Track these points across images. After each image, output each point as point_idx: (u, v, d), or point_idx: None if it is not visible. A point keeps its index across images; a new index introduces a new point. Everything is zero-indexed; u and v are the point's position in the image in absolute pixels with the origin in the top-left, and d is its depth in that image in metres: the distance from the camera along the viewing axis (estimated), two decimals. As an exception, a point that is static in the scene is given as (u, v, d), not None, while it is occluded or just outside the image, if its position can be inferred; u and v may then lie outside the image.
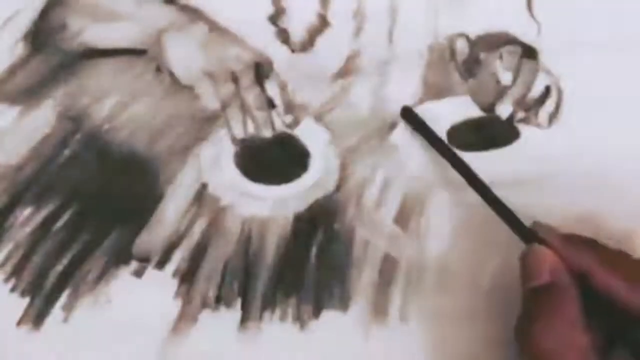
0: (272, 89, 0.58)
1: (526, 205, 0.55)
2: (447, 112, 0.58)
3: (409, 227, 0.55)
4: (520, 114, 0.58)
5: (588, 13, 0.60)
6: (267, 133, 0.57)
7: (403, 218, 0.55)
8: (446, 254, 0.54)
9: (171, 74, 0.58)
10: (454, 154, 0.54)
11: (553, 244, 0.48)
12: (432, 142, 0.56)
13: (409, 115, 0.57)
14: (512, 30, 0.60)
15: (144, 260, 0.54)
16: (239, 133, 0.57)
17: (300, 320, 0.52)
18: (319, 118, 0.57)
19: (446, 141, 0.57)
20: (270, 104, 0.57)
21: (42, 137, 0.56)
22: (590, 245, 0.48)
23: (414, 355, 0.52)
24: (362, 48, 0.59)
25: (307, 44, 0.59)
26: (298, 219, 0.55)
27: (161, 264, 0.53)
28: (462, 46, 0.59)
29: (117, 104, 0.57)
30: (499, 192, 0.53)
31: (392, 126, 0.58)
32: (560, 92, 0.59)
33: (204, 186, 0.56)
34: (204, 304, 0.53)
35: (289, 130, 0.57)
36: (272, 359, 0.52)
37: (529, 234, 0.50)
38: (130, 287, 0.53)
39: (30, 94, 0.57)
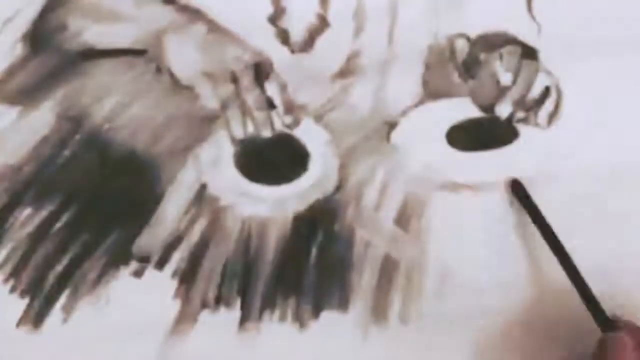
0: (271, 89, 0.58)
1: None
2: (447, 113, 0.58)
3: (409, 228, 0.55)
4: (520, 114, 0.58)
5: (588, 13, 0.60)
6: (267, 133, 0.57)
7: (403, 219, 0.55)
8: (446, 255, 0.54)
9: (171, 74, 0.58)
10: (555, 236, 0.54)
11: (632, 336, 0.49)
12: (534, 218, 0.55)
13: (518, 188, 0.56)
14: (512, 31, 0.60)
15: (144, 260, 0.54)
16: (239, 133, 0.57)
17: (299, 320, 0.52)
18: (318, 118, 0.57)
19: (446, 142, 0.57)
20: (270, 105, 0.57)
21: (42, 137, 0.56)
22: None
23: (414, 357, 0.52)
24: (362, 48, 0.59)
25: (307, 44, 0.59)
26: (298, 219, 0.55)
27: (161, 265, 0.53)
28: (462, 46, 0.59)
29: (117, 104, 0.57)
30: (499, 192, 0.54)
31: (392, 126, 0.58)
32: (559, 92, 0.59)
33: (203, 186, 0.56)
34: (204, 304, 0.53)
35: (288, 131, 0.57)
36: (271, 360, 0.52)
37: (608, 322, 0.51)
38: (129, 288, 0.53)
39: (29, 94, 0.57)
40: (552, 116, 0.58)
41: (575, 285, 0.52)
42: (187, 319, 0.52)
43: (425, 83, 0.59)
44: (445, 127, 0.58)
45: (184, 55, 0.58)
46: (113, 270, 0.53)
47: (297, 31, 0.59)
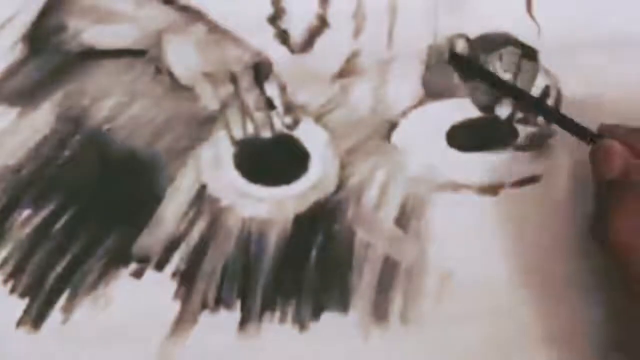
0: (271, 89, 0.58)
1: (525, 205, 0.56)
2: (447, 113, 0.58)
3: (409, 228, 0.55)
4: (520, 115, 0.58)
5: (588, 13, 0.60)
6: (267, 134, 0.57)
7: (404, 219, 0.55)
8: (447, 256, 0.54)
9: (170, 75, 0.58)
10: (508, 83, 0.56)
11: (621, 139, 0.50)
12: (482, 76, 0.57)
13: (457, 59, 0.57)
14: (512, 31, 0.60)
15: (144, 261, 0.53)
16: (239, 134, 0.57)
17: (300, 322, 0.52)
18: (318, 119, 0.57)
19: (446, 142, 0.57)
20: (270, 105, 0.57)
21: (41, 138, 0.56)
22: None
23: (414, 358, 0.52)
24: (362, 48, 0.59)
25: (307, 45, 0.59)
26: (298, 219, 0.55)
27: (160, 265, 0.53)
28: (461, 46, 0.59)
29: (117, 104, 0.57)
30: (501, 194, 0.54)
31: (392, 126, 0.58)
32: (559, 93, 0.59)
33: (203, 187, 0.56)
34: (204, 306, 0.53)
35: (288, 131, 0.57)
36: (271, 361, 0.52)
37: (594, 136, 0.51)
38: (129, 289, 0.53)
39: (29, 95, 0.57)
40: (552, 116, 0.58)
41: (548, 115, 0.53)
42: (187, 320, 0.52)
43: (425, 83, 0.59)
44: (445, 127, 0.58)
45: (184, 56, 0.58)
46: (113, 271, 0.53)
47: (297, 31, 0.59)
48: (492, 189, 0.56)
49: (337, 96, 0.58)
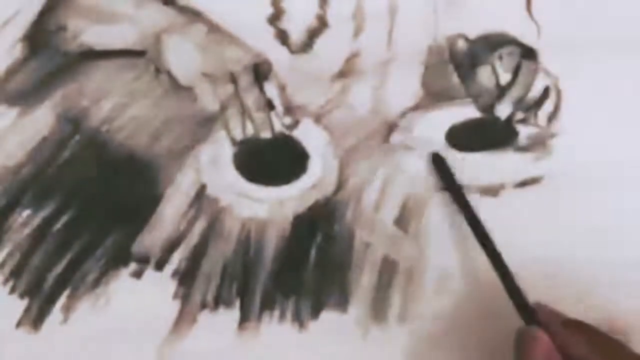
0: (271, 90, 0.58)
1: (525, 206, 0.56)
2: (447, 113, 0.58)
3: (409, 229, 0.55)
4: (520, 115, 0.58)
5: (588, 13, 0.60)
6: (266, 134, 0.57)
7: (403, 219, 0.55)
8: (446, 256, 0.54)
9: (170, 75, 0.58)
10: (473, 212, 0.54)
11: (552, 328, 0.47)
12: (453, 193, 0.55)
13: (439, 162, 0.56)
14: (511, 31, 0.60)
15: (143, 261, 0.54)
16: (238, 134, 0.57)
17: (299, 321, 0.52)
18: (318, 119, 0.57)
19: (446, 142, 0.57)
20: (270, 105, 0.57)
21: (41, 138, 0.56)
22: (590, 333, 0.48)
23: (413, 357, 0.52)
24: (362, 49, 0.59)
25: (306, 45, 0.59)
26: (297, 220, 0.55)
27: (160, 265, 0.53)
28: (461, 47, 0.59)
29: (116, 105, 0.57)
30: (501, 195, 0.54)
31: (392, 127, 0.58)
32: (559, 93, 0.59)
33: (203, 187, 0.56)
34: (203, 305, 0.53)
35: (288, 132, 0.57)
36: (270, 360, 0.52)
37: (530, 313, 0.49)
38: (129, 288, 0.53)
39: (29, 95, 0.57)
40: (552, 116, 0.58)
41: (497, 271, 0.51)
42: (187, 320, 0.52)
43: (424, 84, 0.59)
44: (445, 127, 0.58)
45: (183, 56, 0.58)
46: (113, 271, 0.53)
47: (297, 32, 0.59)
48: (492, 190, 0.56)
49: (336, 96, 0.58)
